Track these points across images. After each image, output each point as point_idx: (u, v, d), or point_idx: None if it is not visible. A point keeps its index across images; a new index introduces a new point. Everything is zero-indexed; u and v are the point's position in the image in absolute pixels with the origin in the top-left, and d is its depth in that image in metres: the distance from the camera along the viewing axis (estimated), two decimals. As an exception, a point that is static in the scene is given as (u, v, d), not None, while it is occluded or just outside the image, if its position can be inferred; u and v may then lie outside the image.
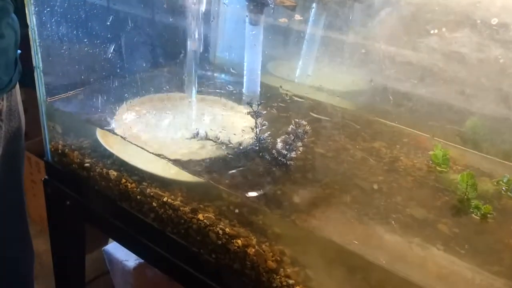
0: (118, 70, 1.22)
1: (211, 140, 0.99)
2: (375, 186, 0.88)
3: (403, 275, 0.71)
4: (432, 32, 0.84)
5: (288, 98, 1.06)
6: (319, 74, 1.12)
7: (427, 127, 1.04)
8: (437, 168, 0.95)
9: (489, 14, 0.78)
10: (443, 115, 0.98)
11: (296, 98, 1.06)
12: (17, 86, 1.15)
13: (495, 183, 0.90)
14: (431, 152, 0.97)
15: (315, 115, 1.04)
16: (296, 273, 0.81)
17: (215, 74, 1.29)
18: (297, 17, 0.98)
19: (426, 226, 0.80)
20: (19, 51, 1.12)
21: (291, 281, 0.81)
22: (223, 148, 0.98)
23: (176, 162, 0.94)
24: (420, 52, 0.89)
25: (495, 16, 0.77)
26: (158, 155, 0.95)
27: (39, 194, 1.32)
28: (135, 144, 0.99)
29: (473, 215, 0.82)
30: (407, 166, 0.96)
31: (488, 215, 0.81)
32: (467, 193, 0.83)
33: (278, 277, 0.82)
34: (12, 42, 1.05)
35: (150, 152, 0.96)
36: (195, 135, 1.01)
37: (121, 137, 1.02)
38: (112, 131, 1.04)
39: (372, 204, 0.85)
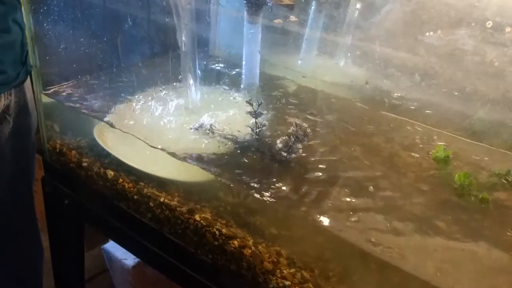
0: (115, 69, 1.22)
1: (213, 133, 0.99)
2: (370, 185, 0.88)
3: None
4: (428, 33, 0.83)
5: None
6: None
7: (432, 120, 1.04)
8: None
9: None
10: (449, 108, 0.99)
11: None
12: (28, 82, 1.15)
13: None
14: (432, 152, 0.97)
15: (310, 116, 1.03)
16: (292, 274, 0.81)
17: (214, 67, 1.28)
18: (292, 18, 0.97)
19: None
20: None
21: (287, 282, 0.80)
22: (221, 146, 0.97)
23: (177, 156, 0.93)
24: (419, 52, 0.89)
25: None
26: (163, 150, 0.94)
27: (41, 191, 1.33)
28: (134, 135, 0.98)
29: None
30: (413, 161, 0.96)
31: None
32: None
33: (274, 278, 0.82)
34: (19, 38, 1.06)
35: (150, 145, 0.96)
36: (199, 127, 1.01)
37: (121, 130, 1.01)
38: (111, 124, 1.03)
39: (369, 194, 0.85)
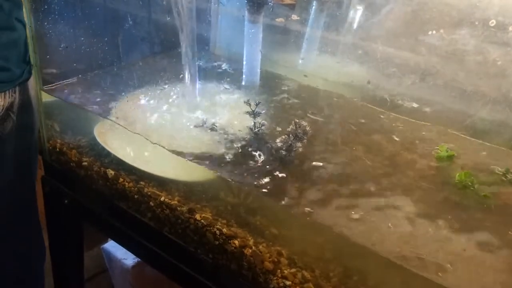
0: (115, 68, 1.22)
1: (216, 131, 0.98)
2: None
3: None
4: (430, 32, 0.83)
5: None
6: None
7: (434, 119, 1.04)
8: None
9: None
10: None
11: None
12: (32, 80, 1.14)
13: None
14: (436, 149, 0.97)
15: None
16: (292, 274, 0.81)
17: (215, 65, 1.28)
18: (293, 17, 0.97)
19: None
20: None
21: (288, 282, 0.80)
22: (221, 145, 0.97)
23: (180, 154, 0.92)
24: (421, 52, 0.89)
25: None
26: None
27: (40, 191, 1.34)
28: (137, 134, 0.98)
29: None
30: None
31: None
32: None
33: (275, 278, 0.81)
34: (23, 36, 1.06)
35: (152, 142, 0.95)
36: (200, 126, 1.00)
37: (123, 126, 1.01)
38: (112, 121, 1.03)
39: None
